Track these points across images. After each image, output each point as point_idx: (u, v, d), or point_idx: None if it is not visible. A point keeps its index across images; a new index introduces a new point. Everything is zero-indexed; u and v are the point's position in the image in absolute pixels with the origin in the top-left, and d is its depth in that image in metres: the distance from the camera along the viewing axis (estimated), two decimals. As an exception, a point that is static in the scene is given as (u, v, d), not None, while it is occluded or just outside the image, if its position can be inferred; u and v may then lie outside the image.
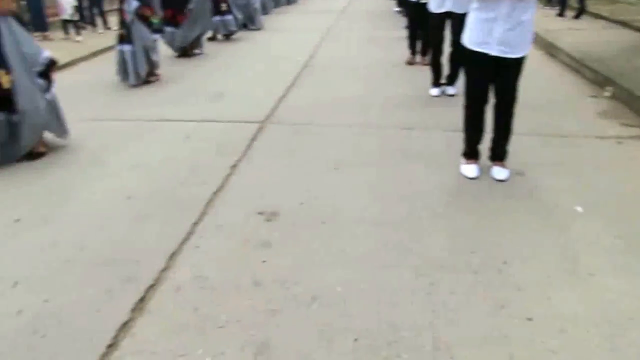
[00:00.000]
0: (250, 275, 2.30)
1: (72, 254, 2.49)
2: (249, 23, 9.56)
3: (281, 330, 1.96)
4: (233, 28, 8.35)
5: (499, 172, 3.16)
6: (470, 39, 3.00)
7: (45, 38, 8.41)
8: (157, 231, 2.67)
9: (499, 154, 3.21)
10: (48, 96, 3.61)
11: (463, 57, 3.22)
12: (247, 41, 8.50)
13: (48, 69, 3.61)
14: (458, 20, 4.11)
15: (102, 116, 4.54)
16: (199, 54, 7.18)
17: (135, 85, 5.44)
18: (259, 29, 9.60)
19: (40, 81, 3.55)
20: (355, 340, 1.91)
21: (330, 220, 2.74)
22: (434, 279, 2.22)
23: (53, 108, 3.67)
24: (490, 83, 3.05)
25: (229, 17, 8.21)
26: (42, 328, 2.02)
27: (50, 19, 8.95)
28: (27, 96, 3.44)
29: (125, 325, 2.01)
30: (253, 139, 3.90)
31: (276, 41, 8.53)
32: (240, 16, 8.81)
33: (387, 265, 2.34)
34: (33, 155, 3.61)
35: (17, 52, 3.40)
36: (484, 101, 3.11)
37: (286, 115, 4.49)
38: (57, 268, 2.39)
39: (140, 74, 5.43)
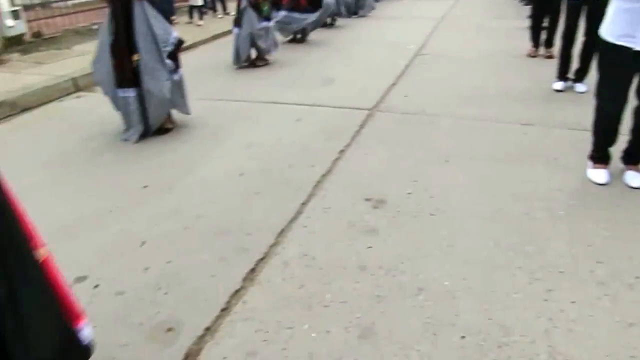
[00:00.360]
0: (355, 259, 2.31)
1: (191, 222, 2.67)
2: (359, 10, 9.54)
3: (386, 317, 1.95)
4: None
5: (634, 177, 2.86)
6: (610, 31, 2.73)
7: (171, 22, 9.03)
8: (267, 208, 2.77)
9: (636, 157, 2.91)
10: (176, 76, 3.82)
11: (599, 51, 2.93)
12: (358, 28, 8.50)
13: (176, 49, 3.84)
14: (598, 6, 3.70)
15: (220, 96, 4.79)
16: (305, 40, 7.28)
17: (237, 67, 5.70)
18: (370, 16, 9.56)
19: (169, 62, 3.76)
20: (463, 337, 1.85)
21: (439, 213, 2.67)
22: (552, 286, 2.08)
23: (179, 87, 3.88)
24: (630, 82, 2.76)
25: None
26: (165, 285, 2.19)
27: (177, 4, 9.59)
28: (152, 76, 3.67)
29: (237, 293, 2.12)
30: (362, 126, 3.90)
31: (388, 29, 8.44)
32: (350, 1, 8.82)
33: (499, 265, 2.24)
34: (162, 130, 3.90)
35: (147, 34, 3.63)
36: (622, 102, 2.81)
37: (396, 103, 4.43)
38: (178, 233, 2.58)
39: (241, 57, 5.67)
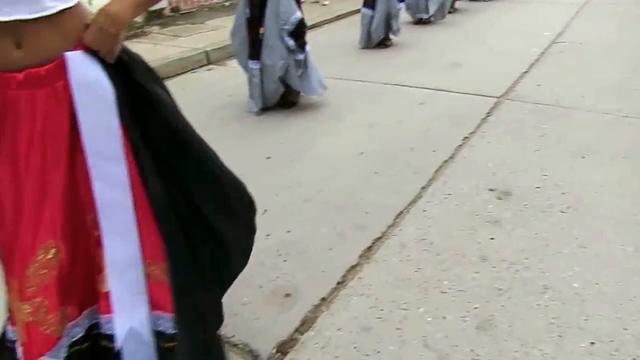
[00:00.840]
0: (476, 249, 2.23)
1: (311, 195, 2.74)
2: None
3: (506, 312, 1.87)
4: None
5: None
6: None
7: (299, 3, 9.24)
8: (386, 189, 2.77)
9: None
10: (300, 56, 3.82)
11: None
12: (489, 12, 8.07)
13: (298, 30, 3.79)
14: None
15: (342, 76, 4.83)
16: (439, 19, 7.04)
17: (362, 47, 5.67)
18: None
19: (290, 41, 3.75)
20: (592, 343, 1.72)
21: (570, 211, 2.48)
22: None
23: (301, 67, 3.86)
24: None
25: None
26: (284, 253, 2.28)
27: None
28: (270, 52, 3.75)
29: (353, 268, 2.16)
30: (489, 114, 3.72)
31: (523, 13, 7.91)
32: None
33: (638, 271, 2.03)
34: (287, 103, 4.03)
35: (273, 10, 3.70)
36: None
37: (528, 93, 4.16)
38: (298, 205, 2.67)
39: (373, 39, 5.60)
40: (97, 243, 1.24)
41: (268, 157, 3.22)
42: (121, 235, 1.23)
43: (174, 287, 1.27)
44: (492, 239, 2.30)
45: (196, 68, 5.41)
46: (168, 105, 1.31)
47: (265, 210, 2.64)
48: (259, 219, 2.55)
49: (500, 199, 2.61)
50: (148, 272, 1.28)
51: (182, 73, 5.25)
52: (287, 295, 2.05)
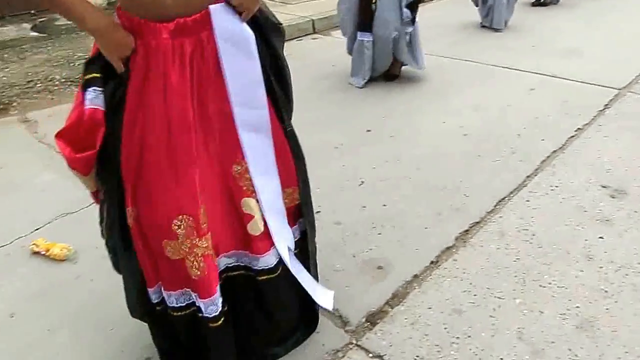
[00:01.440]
0: (582, 246, 2.11)
1: (410, 172, 2.73)
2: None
3: (611, 315, 1.77)
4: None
5: None
6: None
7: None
8: (489, 173, 2.68)
9: None
10: (409, 29, 3.77)
11: None
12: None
13: (415, 1, 3.72)
14: None
15: (448, 54, 4.67)
16: (554, 3, 6.58)
17: (481, 26, 5.43)
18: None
19: (407, 12, 3.69)
20: None
21: (696, 220, 2.26)
22: None
23: (411, 41, 3.82)
24: None
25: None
26: (379, 226, 2.31)
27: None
28: (383, 24, 3.68)
29: (448, 250, 2.13)
30: (607, 106, 3.44)
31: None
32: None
33: None
34: (389, 76, 3.99)
35: None
36: None
37: (655, 86, 3.79)
38: (395, 180, 2.66)
39: (501, 20, 5.30)
40: (243, 192, 1.37)
41: (368, 130, 3.22)
42: (268, 174, 1.40)
43: (303, 200, 1.57)
44: (601, 238, 2.16)
45: (302, 36, 5.48)
46: (288, 74, 1.45)
47: (362, 182, 2.67)
48: (356, 190, 2.60)
49: (613, 197, 2.44)
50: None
51: (288, 40, 5.33)
52: (379, 267, 2.07)
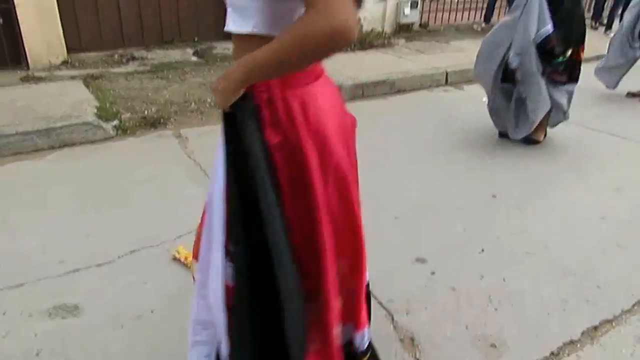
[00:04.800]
0: None
1: (536, 249, 2.59)
2: None
3: None
4: None
5: None
6: None
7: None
8: (629, 267, 2.46)
9: None
10: (568, 87, 3.60)
11: None
12: None
13: (545, 45, 3.40)
14: None
15: (591, 124, 4.40)
16: None
17: (628, 96, 5.05)
18: None
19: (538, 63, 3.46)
20: None
21: None
22: None
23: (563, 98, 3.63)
24: None
25: None
26: (496, 301, 2.22)
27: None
28: (525, 77, 3.49)
29: (572, 343, 1.99)
30: None
31: None
32: None
33: None
34: (530, 140, 3.83)
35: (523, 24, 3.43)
36: None
37: None
38: (519, 254, 2.54)
39: None
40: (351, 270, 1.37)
41: (494, 196, 3.13)
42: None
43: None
44: None
45: (433, 87, 5.50)
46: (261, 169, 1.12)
47: (483, 250, 2.60)
48: (475, 257, 2.53)
49: None
50: None
51: (419, 89, 5.40)
52: (493, 345, 1.99)
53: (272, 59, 1.00)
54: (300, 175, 1.15)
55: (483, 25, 8.09)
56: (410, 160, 3.61)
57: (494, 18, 8.07)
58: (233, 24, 1.12)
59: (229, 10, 1.13)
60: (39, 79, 4.57)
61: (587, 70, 6.61)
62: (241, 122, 1.11)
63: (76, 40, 5.29)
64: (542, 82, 3.51)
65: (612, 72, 5.06)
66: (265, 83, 1.11)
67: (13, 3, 4.60)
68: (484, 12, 8.24)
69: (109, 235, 2.58)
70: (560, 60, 3.51)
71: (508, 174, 3.44)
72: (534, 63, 3.45)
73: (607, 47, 5.18)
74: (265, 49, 1.00)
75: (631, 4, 5.04)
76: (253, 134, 1.11)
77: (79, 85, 4.48)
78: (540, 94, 3.52)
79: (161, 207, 2.86)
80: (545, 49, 3.42)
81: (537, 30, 3.40)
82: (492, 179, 3.36)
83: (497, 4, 8.04)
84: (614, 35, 5.23)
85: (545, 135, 3.91)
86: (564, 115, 3.74)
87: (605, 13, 8.70)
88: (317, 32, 0.93)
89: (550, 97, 3.57)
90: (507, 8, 7.21)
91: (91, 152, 3.54)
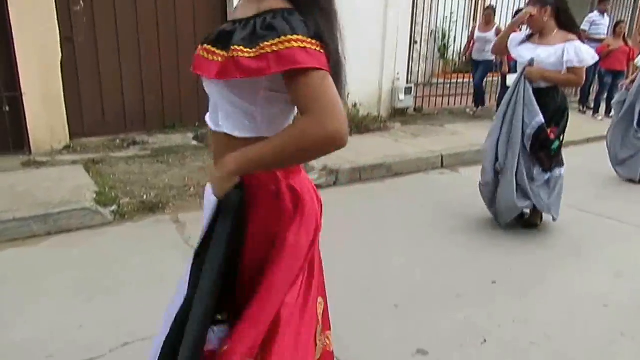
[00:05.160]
0: None
1: (538, 338, 2.52)
2: None
3: None
4: None
5: None
6: None
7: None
8: (635, 356, 2.39)
9: None
10: (556, 172, 3.67)
11: None
12: None
13: (538, 136, 3.52)
14: None
15: (589, 207, 4.42)
16: None
17: (626, 180, 5.12)
18: None
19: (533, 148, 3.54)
20: None
21: None
22: None
23: (550, 187, 3.68)
24: None
25: None
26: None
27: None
28: (505, 165, 3.61)
29: None
30: None
31: None
32: None
33: None
34: (527, 223, 3.86)
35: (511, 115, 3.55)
36: None
37: None
38: (523, 344, 2.47)
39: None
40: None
41: (493, 282, 3.09)
42: None
43: None
44: None
45: (429, 170, 5.59)
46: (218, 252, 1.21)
47: (485, 340, 2.52)
48: (476, 349, 2.45)
49: None
50: None
51: (416, 172, 5.47)
52: None
53: (267, 158, 1.10)
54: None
55: (475, 109, 8.38)
56: (409, 244, 3.60)
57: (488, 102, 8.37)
58: (222, 127, 1.23)
59: (216, 113, 1.25)
60: (40, 164, 4.65)
61: (581, 152, 6.80)
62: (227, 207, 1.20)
63: (79, 125, 5.41)
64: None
65: (629, 166, 5.29)
66: (271, 174, 1.21)
67: (20, 91, 4.78)
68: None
69: (101, 326, 2.51)
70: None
71: (507, 258, 3.42)
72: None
73: (606, 141, 5.42)
74: (258, 148, 1.10)
75: (617, 97, 5.34)
76: (235, 219, 1.20)
77: (80, 170, 4.55)
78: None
79: (156, 296, 2.79)
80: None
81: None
82: (491, 263, 3.33)
83: (487, 89, 8.36)
84: (612, 128, 5.42)
85: (541, 218, 3.93)
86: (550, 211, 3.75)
87: (592, 97, 9.03)
88: (312, 137, 1.02)
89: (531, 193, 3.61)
90: (499, 90, 7.61)
91: (88, 238, 3.53)
